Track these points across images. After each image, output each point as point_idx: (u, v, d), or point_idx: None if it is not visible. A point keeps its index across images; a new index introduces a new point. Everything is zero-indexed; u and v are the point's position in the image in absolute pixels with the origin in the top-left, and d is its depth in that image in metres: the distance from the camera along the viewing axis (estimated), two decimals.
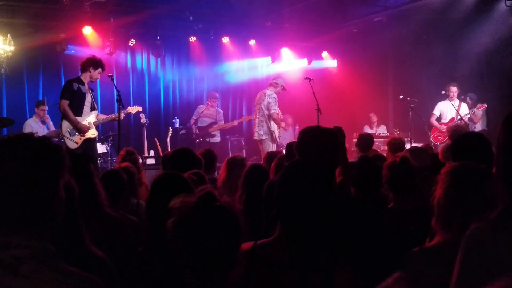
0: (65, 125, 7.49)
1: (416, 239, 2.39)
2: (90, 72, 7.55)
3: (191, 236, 1.69)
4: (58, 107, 7.67)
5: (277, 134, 9.19)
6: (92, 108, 7.77)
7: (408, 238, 2.69)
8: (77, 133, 7.51)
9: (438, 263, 1.96)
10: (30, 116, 10.37)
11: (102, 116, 7.96)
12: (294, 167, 2.08)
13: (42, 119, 9.79)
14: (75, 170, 1.81)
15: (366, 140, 6.45)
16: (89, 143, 7.67)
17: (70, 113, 7.38)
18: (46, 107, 9.76)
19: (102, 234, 2.48)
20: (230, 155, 5.63)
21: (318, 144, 2.72)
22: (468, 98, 10.19)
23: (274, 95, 9.16)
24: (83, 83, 7.54)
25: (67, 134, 7.47)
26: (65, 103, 7.40)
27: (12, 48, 9.38)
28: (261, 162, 5.60)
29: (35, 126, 9.54)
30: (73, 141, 7.48)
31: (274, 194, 2.03)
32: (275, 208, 2.00)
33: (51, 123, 9.85)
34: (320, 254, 1.91)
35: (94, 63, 7.56)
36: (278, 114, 9.15)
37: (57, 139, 8.13)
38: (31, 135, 1.57)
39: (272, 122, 9.08)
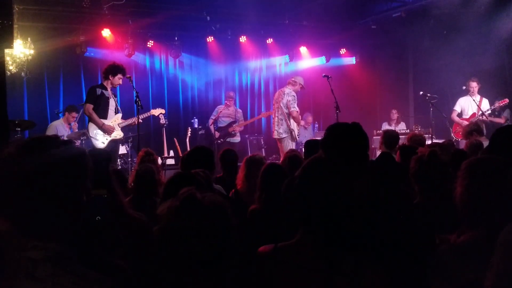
0: (92, 127, 7.96)
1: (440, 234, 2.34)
2: (110, 79, 8.01)
3: (177, 240, 1.63)
4: (83, 111, 8.23)
5: (296, 132, 9.13)
6: (117, 111, 8.22)
7: (433, 233, 2.63)
8: (103, 134, 7.96)
9: (468, 260, 1.92)
10: (52, 119, 10.46)
11: (128, 119, 8.37)
12: (312, 165, 1.99)
13: (70, 124, 9.89)
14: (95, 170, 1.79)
15: (392, 137, 6.18)
16: (115, 144, 8.21)
17: (95, 115, 7.87)
18: (78, 115, 9.89)
19: (125, 235, 2.47)
20: (249, 154, 5.62)
21: (345, 141, 2.67)
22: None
23: (293, 93, 9.11)
24: (106, 89, 8.04)
25: (94, 135, 7.94)
26: (90, 107, 7.91)
27: (32, 51, 9.50)
28: (281, 161, 5.57)
29: (60, 129, 9.66)
30: (100, 142, 7.95)
31: (293, 193, 1.96)
32: (296, 208, 1.94)
33: (76, 126, 9.98)
34: (346, 256, 1.83)
35: (112, 70, 8.02)
36: (297, 112, 9.08)
37: (79, 140, 8.38)
38: (55, 138, 1.55)
39: (291, 120, 9.02)
